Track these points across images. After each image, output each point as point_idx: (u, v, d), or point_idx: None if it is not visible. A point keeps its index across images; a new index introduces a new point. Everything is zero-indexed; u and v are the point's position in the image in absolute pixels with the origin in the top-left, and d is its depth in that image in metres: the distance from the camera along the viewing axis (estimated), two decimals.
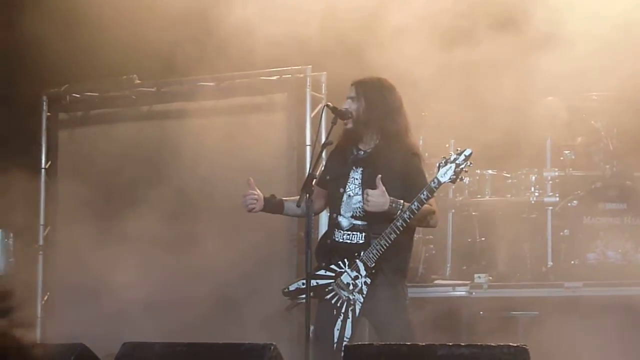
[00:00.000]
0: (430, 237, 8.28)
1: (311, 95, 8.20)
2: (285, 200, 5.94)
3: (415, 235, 6.02)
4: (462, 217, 8.32)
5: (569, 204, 7.96)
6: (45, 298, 9.03)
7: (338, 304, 5.69)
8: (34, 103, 9.21)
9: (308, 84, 8.20)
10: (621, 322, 6.99)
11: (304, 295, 5.59)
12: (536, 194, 8.09)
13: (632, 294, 7.27)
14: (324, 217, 6.69)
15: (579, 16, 7.20)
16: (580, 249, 7.76)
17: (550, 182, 8.07)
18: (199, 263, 8.12)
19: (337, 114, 5.74)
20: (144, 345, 4.97)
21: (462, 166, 5.44)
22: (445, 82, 7.45)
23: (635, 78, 7.03)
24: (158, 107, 8.96)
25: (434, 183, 5.43)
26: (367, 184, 5.63)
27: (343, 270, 5.70)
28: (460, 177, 5.47)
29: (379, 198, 5.46)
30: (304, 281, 5.58)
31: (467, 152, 5.47)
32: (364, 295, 5.63)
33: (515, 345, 4.22)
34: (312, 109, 8.18)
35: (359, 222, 5.72)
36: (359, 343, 5.15)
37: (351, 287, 5.65)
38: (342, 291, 5.69)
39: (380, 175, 5.48)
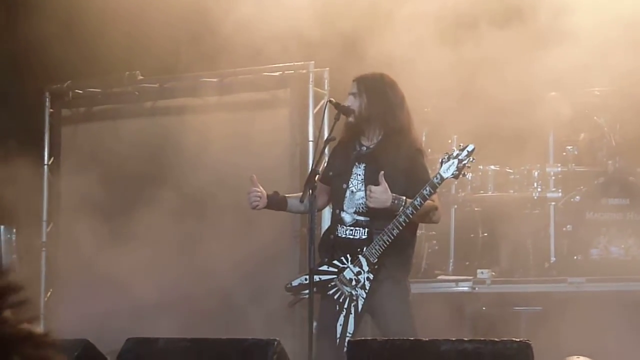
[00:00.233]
0: (433, 232, 8.28)
1: (314, 91, 8.20)
2: (289, 196, 5.94)
3: (418, 231, 6.03)
4: (464, 212, 8.31)
5: (572, 200, 7.96)
6: (48, 294, 9.03)
7: (341, 300, 5.69)
8: (36, 99, 9.20)
9: (311, 80, 8.19)
10: (624, 317, 6.98)
11: (306, 291, 5.61)
12: (539, 189, 8.08)
13: (635, 289, 7.27)
14: (326, 213, 6.69)
15: (582, 12, 7.20)
16: (583, 245, 7.77)
17: (553, 177, 8.06)
18: (202, 259, 8.13)
19: (340, 109, 5.74)
20: (147, 340, 4.97)
21: (465, 162, 5.44)
22: (448, 78, 7.44)
23: (638, 74, 7.03)
24: (161, 103, 8.96)
25: (437, 179, 5.43)
26: (370, 180, 5.63)
27: (346, 265, 5.70)
28: (463, 172, 5.48)
29: (382, 194, 5.46)
30: (307, 277, 5.59)
31: (469, 148, 5.47)
32: (366, 291, 5.63)
33: (518, 340, 4.22)
34: (315, 105, 8.18)
35: (361, 218, 5.71)
36: (362, 338, 5.15)
37: (354, 282, 5.66)
38: (344, 287, 5.69)
39: (382, 172, 5.48)
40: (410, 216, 5.44)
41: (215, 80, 8.61)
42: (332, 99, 5.88)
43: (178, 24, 8.17)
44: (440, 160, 5.50)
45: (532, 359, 4.12)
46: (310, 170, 5.62)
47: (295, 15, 7.61)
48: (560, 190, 8.02)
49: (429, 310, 7.11)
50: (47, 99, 9.23)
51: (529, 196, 8.11)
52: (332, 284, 5.72)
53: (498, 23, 7.36)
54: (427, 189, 5.41)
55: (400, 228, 5.47)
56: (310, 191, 5.49)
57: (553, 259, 7.90)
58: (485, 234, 8.29)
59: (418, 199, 5.41)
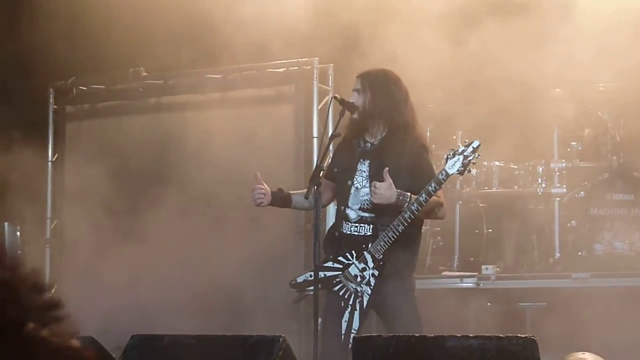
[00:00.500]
0: (438, 228, 8.28)
1: (318, 87, 8.18)
2: (293, 193, 5.93)
3: (422, 227, 6.02)
4: (469, 208, 8.31)
5: (576, 195, 7.95)
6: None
7: (346, 296, 5.69)
8: (41, 96, 9.20)
9: (315, 76, 8.17)
10: (629, 312, 6.99)
11: (311, 287, 5.61)
12: (543, 185, 8.07)
13: (639, 285, 7.27)
14: (331, 209, 6.69)
15: (586, 8, 7.19)
16: (588, 240, 7.76)
17: (558, 173, 8.05)
18: (207, 255, 8.12)
19: (345, 105, 5.74)
20: (152, 337, 4.96)
21: (470, 158, 5.44)
22: (453, 74, 7.44)
23: None
24: (165, 99, 8.96)
25: (442, 175, 5.43)
26: (375, 176, 5.62)
27: (351, 262, 5.70)
28: (468, 169, 5.47)
29: (386, 191, 5.45)
30: (312, 273, 5.60)
31: (475, 144, 5.46)
32: (371, 287, 5.63)
33: (523, 336, 4.21)
34: (320, 101, 8.17)
35: (366, 214, 5.71)
36: (368, 334, 5.15)
37: (359, 279, 5.66)
38: (349, 283, 5.69)
39: (387, 168, 5.48)
40: (416, 212, 5.44)
41: (219, 76, 8.61)
42: (336, 95, 5.87)
43: (182, 21, 8.17)
44: (445, 156, 5.50)
45: (537, 354, 4.10)
46: (315, 166, 5.61)
47: (299, 12, 7.60)
48: (564, 186, 8.01)
49: (434, 306, 7.11)
50: (52, 96, 9.23)
51: (533, 192, 8.10)
52: (337, 280, 5.72)
53: (503, 19, 7.35)
54: (432, 185, 5.40)
55: (406, 224, 5.46)
56: (315, 187, 5.49)
57: (558, 254, 7.90)
58: (490, 230, 8.28)
59: (423, 195, 5.41)
